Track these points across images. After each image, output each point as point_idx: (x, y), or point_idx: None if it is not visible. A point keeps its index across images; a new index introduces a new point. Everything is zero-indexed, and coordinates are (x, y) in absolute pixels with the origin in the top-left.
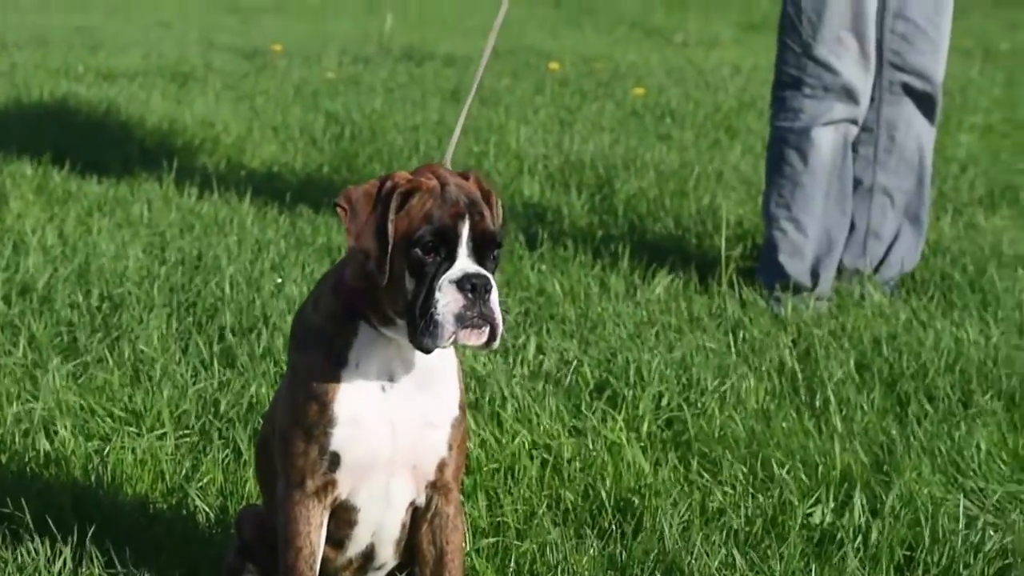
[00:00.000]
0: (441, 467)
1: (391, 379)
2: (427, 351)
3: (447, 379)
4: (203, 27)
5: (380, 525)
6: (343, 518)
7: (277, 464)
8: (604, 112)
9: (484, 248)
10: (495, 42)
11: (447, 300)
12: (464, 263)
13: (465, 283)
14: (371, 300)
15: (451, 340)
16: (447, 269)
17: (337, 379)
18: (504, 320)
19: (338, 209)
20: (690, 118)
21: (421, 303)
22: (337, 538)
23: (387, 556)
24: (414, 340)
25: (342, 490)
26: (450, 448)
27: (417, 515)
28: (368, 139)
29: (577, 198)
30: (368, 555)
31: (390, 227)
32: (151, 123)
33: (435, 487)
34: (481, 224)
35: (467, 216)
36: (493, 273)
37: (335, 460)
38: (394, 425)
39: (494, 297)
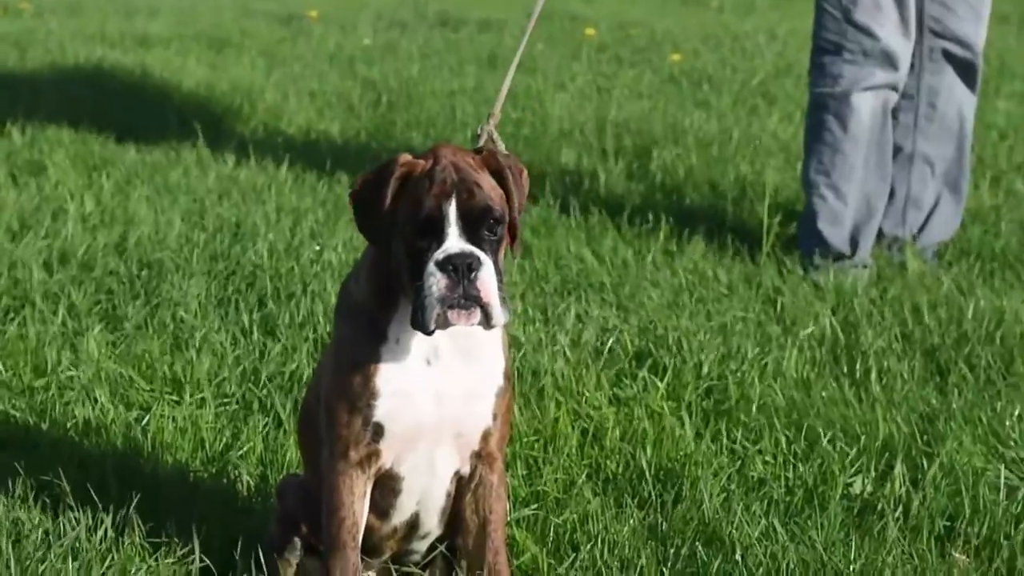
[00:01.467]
0: (486, 436)
1: (435, 351)
2: (426, 333)
3: (492, 349)
4: None
5: (425, 494)
6: (388, 487)
7: (322, 434)
8: (641, 78)
9: (477, 225)
10: (539, 8)
11: (431, 282)
12: (451, 243)
13: (446, 264)
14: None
15: (439, 322)
16: (436, 250)
17: (379, 352)
18: (502, 298)
19: (348, 199)
20: (727, 84)
21: (416, 286)
22: (382, 507)
23: (432, 525)
24: (412, 323)
25: (386, 460)
26: (495, 418)
27: (461, 484)
28: (405, 106)
29: (615, 165)
30: (413, 524)
31: (390, 211)
32: (187, 89)
33: (479, 456)
34: (470, 201)
35: (453, 194)
36: (492, 249)
37: (379, 431)
38: (439, 396)
39: (484, 275)
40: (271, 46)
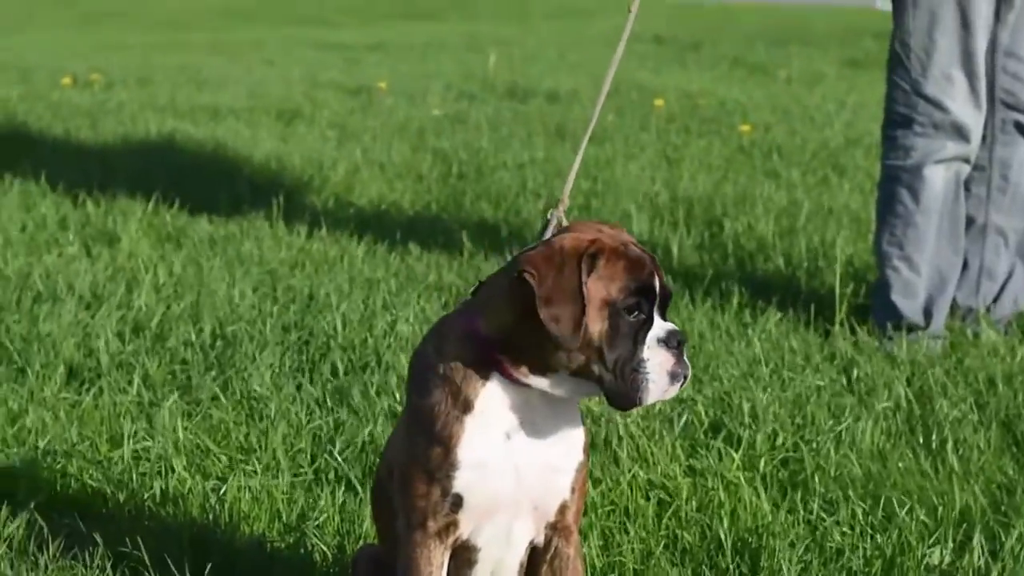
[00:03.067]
0: (562, 509)
1: (517, 425)
2: (630, 408)
3: (573, 424)
4: (306, 65)
5: (500, 565)
6: (463, 557)
7: (396, 504)
8: (711, 149)
9: (666, 303)
10: (611, 80)
11: (658, 359)
12: (661, 320)
13: (672, 340)
14: (518, 352)
15: (661, 394)
16: (648, 327)
17: (462, 424)
18: None
19: (525, 276)
20: (797, 155)
21: (625, 363)
22: None
23: None
24: (618, 400)
25: (463, 530)
26: (572, 491)
27: (536, 555)
28: (475, 177)
29: (686, 236)
30: None
31: (585, 290)
32: (258, 160)
33: (555, 528)
34: (664, 284)
35: (655, 273)
36: None
37: (458, 502)
38: (518, 469)
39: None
40: (341, 118)
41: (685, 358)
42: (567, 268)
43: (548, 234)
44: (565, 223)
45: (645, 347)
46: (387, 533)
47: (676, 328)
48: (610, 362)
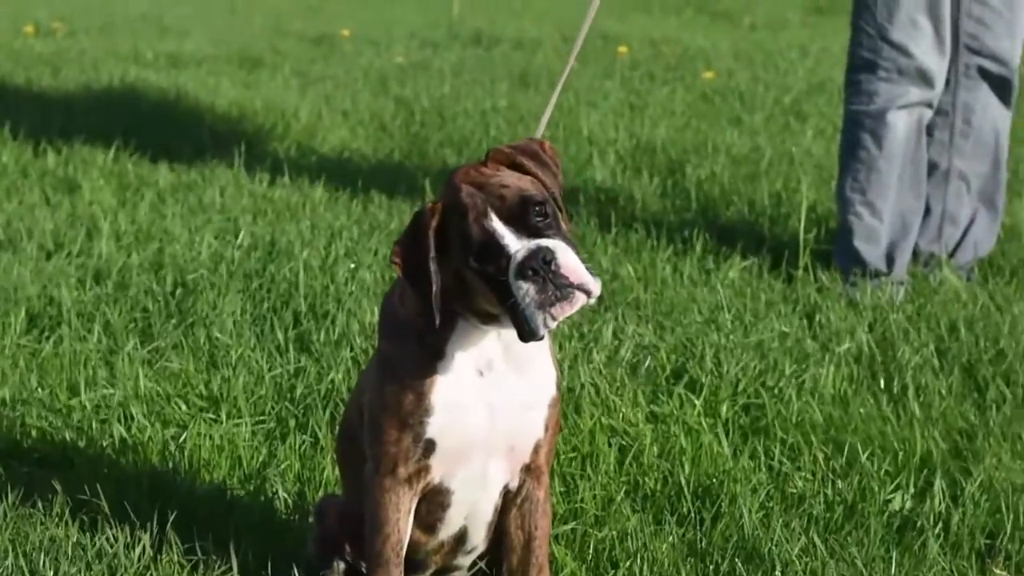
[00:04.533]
0: (536, 449)
1: (488, 363)
2: (538, 339)
3: (543, 360)
4: (270, 13)
5: (474, 508)
6: (436, 501)
7: (367, 451)
8: (674, 96)
9: (524, 219)
10: (585, 30)
11: (522, 292)
12: (516, 250)
13: (525, 271)
14: (468, 303)
15: (548, 324)
16: (507, 263)
17: (434, 369)
18: (588, 268)
19: (394, 265)
20: (760, 101)
21: (510, 302)
22: (429, 522)
23: (479, 539)
24: (522, 337)
25: (435, 475)
26: (546, 429)
27: (507, 499)
28: (438, 124)
29: (649, 182)
30: (460, 538)
31: (433, 266)
32: (221, 108)
33: (528, 470)
34: (505, 204)
35: (489, 209)
36: (555, 230)
37: (430, 447)
38: (492, 408)
39: (561, 259)
40: (304, 65)
41: (564, 271)
42: (419, 247)
43: None
44: None
45: (512, 287)
46: (352, 480)
47: (526, 253)
48: (497, 306)
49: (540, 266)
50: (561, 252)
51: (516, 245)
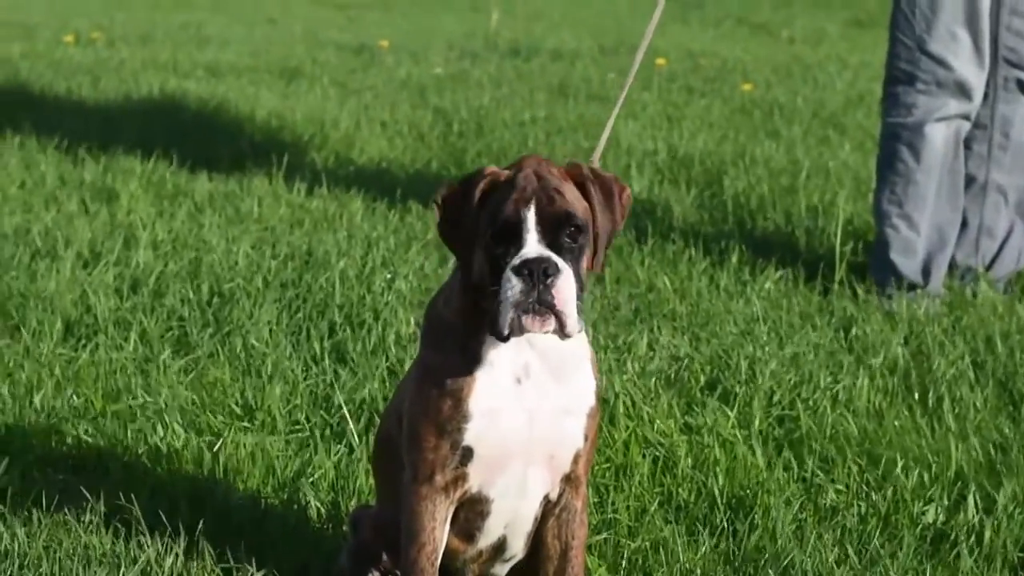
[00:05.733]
0: (576, 458)
1: (526, 369)
2: (501, 339)
3: (582, 368)
4: (308, 24)
5: (514, 517)
6: (476, 509)
7: (404, 458)
8: (712, 108)
9: (557, 231)
10: (644, 47)
11: (507, 287)
12: (529, 248)
13: (523, 268)
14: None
15: (513, 327)
16: (514, 256)
17: (472, 375)
18: (579, 306)
19: (434, 206)
20: (798, 114)
21: (493, 292)
22: (469, 530)
23: (518, 548)
24: (489, 330)
25: (472, 483)
26: (585, 439)
27: (547, 508)
28: (476, 135)
29: (686, 194)
30: (499, 547)
31: (467, 221)
32: (260, 119)
33: (568, 480)
34: (550, 207)
35: (533, 201)
36: (574, 258)
37: (467, 454)
38: (531, 414)
39: (561, 282)
40: (343, 76)
41: (552, 291)
42: (467, 198)
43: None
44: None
45: (504, 276)
46: (388, 489)
47: (535, 256)
48: (488, 291)
49: (538, 274)
50: (564, 276)
51: (533, 244)
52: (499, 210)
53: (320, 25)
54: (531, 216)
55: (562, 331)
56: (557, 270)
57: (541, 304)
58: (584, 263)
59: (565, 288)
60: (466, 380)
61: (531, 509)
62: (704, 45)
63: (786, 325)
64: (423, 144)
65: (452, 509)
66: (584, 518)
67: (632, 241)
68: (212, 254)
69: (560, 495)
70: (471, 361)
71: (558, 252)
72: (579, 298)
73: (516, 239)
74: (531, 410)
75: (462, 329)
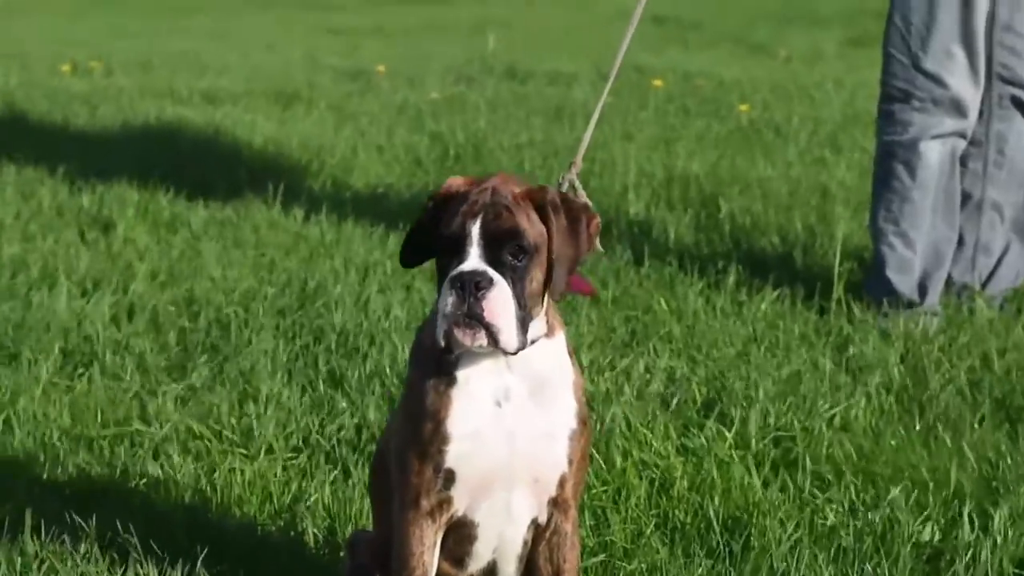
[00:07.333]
0: (562, 482)
1: (506, 392)
2: (441, 351)
3: (564, 392)
4: (306, 49)
5: (502, 541)
6: (462, 533)
7: (392, 484)
8: (709, 129)
9: (499, 247)
10: (620, 59)
11: (443, 297)
12: (468, 263)
13: (456, 281)
14: None
15: (446, 339)
16: (455, 267)
17: (449, 396)
18: (518, 325)
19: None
20: (795, 134)
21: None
22: (457, 555)
23: (509, 572)
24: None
25: (458, 507)
26: (570, 463)
27: (536, 532)
28: (473, 159)
29: (683, 215)
30: (490, 572)
31: (423, 232)
32: (257, 145)
33: (555, 504)
34: (495, 221)
35: (479, 216)
36: (517, 276)
37: (450, 477)
38: (511, 436)
39: (492, 295)
40: (339, 101)
41: (483, 304)
42: (423, 208)
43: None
44: (578, 185)
45: (442, 289)
46: (383, 514)
47: (470, 269)
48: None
49: (470, 287)
50: (497, 290)
51: (473, 259)
52: (448, 223)
53: (317, 50)
54: (475, 230)
55: (496, 346)
56: (490, 284)
57: (470, 317)
58: (530, 283)
59: (496, 302)
60: (444, 401)
61: (518, 533)
62: (701, 66)
63: (783, 345)
64: (420, 169)
65: (440, 534)
66: (576, 541)
67: (629, 263)
68: (209, 282)
69: (549, 519)
70: (449, 382)
71: (499, 268)
72: (523, 316)
73: (459, 251)
74: (511, 433)
75: (438, 350)
